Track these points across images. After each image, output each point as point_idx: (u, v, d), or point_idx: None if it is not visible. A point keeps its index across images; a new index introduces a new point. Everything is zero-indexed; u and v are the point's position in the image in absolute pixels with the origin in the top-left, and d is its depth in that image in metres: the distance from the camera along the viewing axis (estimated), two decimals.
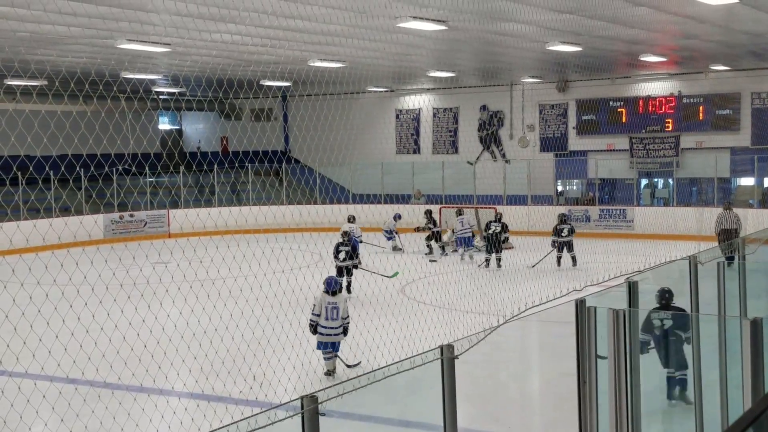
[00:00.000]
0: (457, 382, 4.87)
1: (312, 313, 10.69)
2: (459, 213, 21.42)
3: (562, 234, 19.30)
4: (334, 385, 4.29)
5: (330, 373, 10.41)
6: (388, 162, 30.37)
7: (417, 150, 31.52)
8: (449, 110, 30.80)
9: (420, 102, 31.08)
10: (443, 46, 19.59)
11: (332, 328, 10.45)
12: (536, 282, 16.27)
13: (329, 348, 10.45)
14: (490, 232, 19.61)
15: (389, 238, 22.86)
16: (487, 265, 19.36)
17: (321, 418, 4.09)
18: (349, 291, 15.43)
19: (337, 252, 16.04)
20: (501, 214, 21.66)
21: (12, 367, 9.97)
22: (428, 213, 22.86)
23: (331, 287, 10.59)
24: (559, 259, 19.24)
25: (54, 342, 9.55)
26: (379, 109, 31.59)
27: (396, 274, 16.56)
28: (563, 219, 19.71)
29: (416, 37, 17.31)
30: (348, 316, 10.75)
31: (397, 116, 31.92)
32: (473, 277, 17.96)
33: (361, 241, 20.13)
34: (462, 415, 4.98)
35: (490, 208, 23.85)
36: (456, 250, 21.61)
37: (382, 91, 31.00)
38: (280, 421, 4.08)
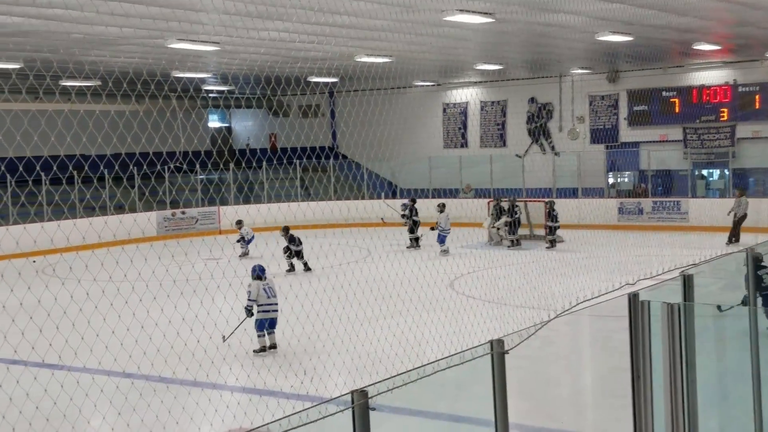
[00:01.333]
0: (508, 377, 4.83)
1: (248, 299, 11.47)
2: (442, 209, 21.39)
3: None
4: (385, 380, 4.29)
5: (265, 349, 11.32)
6: (436, 156, 30.27)
7: (464, 144, 31.36)
8: (497, 103, 30.57)
9: (467, 95, 30.89)
10: (490, 38, 19.45)
11: (271, 304, 11.50)
12: (588, 276, 16.07)
13: (267, 325, 11.43)
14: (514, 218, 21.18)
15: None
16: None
17: (371, 413, 4.10)
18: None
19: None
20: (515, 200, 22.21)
21: (71, 362, 10.19)
22: (409, 203, 23.03)
23: (255, 272, 11.75)
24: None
25: (110, 337, 9.75)
26: (426, 103, 31.50)
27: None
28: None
29: (463, 30, 17.22)
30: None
31: (444, 110, 31.80)
32: (523, 271, 17.82)
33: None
34: (513, 411, 4.95)
35: (539, 201, 23.62)
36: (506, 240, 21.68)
37: (428, 85, 30.90)
38: (331, 415, 4.09)
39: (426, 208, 23.72)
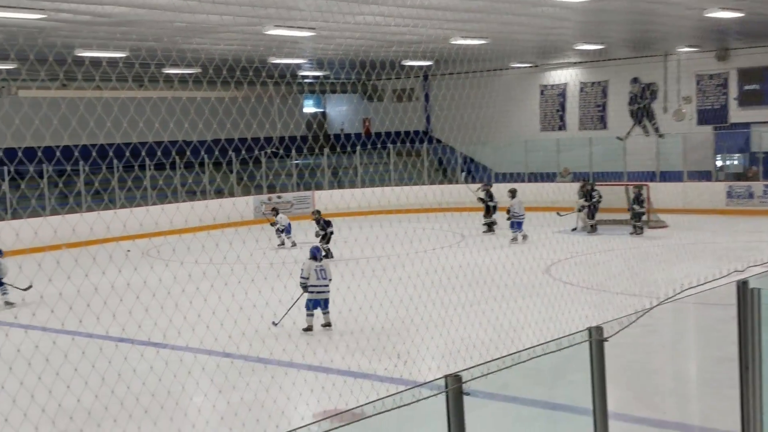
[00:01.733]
0: (607, 365, 4.70)
1: (301, 278, 11.79)
2: (513, 195, 20.58)
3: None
4: (479, 365, 4.24)
5: (311, 328, 11.57)
6: (532, 139, 29.78)
7: (563, 126, 30.73)
8: (597, 84, 29.79)
9: (566, 76, 30.21)
10: (591, 17, 18.94)
11: (324, 286, 11.70)
12: (693, 262, 15.52)
13: (319, 305, 11.64)
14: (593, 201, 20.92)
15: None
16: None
17: (465, 398, 4.05)
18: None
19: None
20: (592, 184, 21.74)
21: (174, 341, 10.53)
22: (485, 187, 22.70)
23: (312, 253, 12.02)
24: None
25: (211, 317, 10.02)
26: (523, 85, 31.00)
27: None
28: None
29: (562, 9, 16.81)
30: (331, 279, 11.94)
31: (542, 92, 31.22)
32: (624, 257, 17.35)
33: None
34: (612, 399, 4.82)
35: (642, 184, 22.93)
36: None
37: (525, 67, 30.39)
38: (425, 399, 4.07)
39: (522, 192, 23.39)
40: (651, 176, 26.05)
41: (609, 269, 15.28)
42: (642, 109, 28.75)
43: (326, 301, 11.74)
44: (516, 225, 20.06)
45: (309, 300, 11.74)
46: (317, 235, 18.32)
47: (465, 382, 4.05)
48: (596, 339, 4.59)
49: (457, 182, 28.23)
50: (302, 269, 11.93)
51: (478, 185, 23.56)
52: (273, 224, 20.86)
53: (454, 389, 4.01)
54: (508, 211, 20.35)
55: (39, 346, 8.22)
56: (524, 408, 6.37)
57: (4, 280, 14.18)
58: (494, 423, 5.69)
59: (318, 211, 19.17)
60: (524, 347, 4.55)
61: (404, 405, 3.96)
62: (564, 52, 27.17)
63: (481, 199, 22.55)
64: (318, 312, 11.70)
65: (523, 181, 27.44)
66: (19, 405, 7.49)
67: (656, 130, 28.35)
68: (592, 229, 21.21)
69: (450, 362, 9.59)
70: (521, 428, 5.89)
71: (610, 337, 4.64)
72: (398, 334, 10.88)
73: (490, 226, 22.13)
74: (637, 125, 28.87)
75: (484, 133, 26.26)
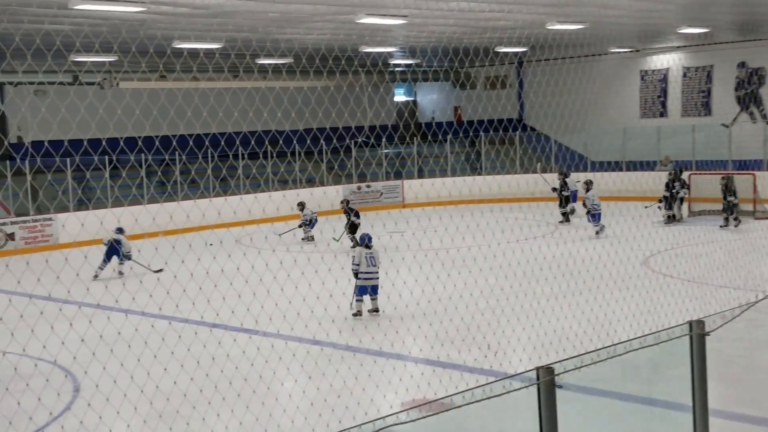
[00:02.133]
0: (708, 360, 4.48)
1: (353, 264, 12.21)
2: (588, 187, 19.78)
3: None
4: (572, 358, 4.10)
5: (360, 313, 11.90)
6: (631, 127, 28.91)
7: (664, 113, 29.71)
8: (701, 69, 28.65)
9: (668, 61, 29.18)
10: None
11: (372, 273, 12.03)
12: None
13: (367, 291, 12.02)
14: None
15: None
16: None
17: (558, 391, 3.93)
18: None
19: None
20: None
21: (266, 327, 10.69)
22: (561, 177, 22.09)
23: (363, 241, 12.47)
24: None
25: (302, 305, 10.12)
26: (622, 70, 30.11)
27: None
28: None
29: None
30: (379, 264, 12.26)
31: (642, 77, 30.25)
32: (728, 248, 16.65)
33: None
34: (713, 396, 4.59)
35: (748, 174, 21.96)
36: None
37: (624, 52, 29.51)
38: (515, 390, 3.98)
39: (621, 181, 22.73)
40: (758, 164, 24.89)
41: (711, 261, 14.69)
42: (749, 95, 27.49)
43: (375, 287, 12.10)
44: (593, 217, 19.42)
45: (358, 286, 12.11)
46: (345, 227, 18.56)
47: (557, 374, 3.94)
48: (697, 333, 4.38)
49: (551, 171, 27.70)
50: (353, 256, 12.35)
51: (555, 175, 23.18)
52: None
53: (546, 381, 3.90)
54: (585, 204, 19.85)
55: (138, 329, 8.48)
56: (619, 403, 6.17)
57: (134, 258, 15.72)
58: (587, 417, 5.52)
59: (347, 200, 19.37)
60: (620, 340, 4.38)
61: (494, 396, 3.88)
62: (666, 36, 26.22)
63: (554, 189, 22.15)
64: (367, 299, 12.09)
65: (620, 169, 26.70)
66: (119, 386, 7.75)
67: (764, 116, 27.08)
68: (669, 219, 20.58)
69: (542, 354, 9.40)
70: (616, 423, 5.69)
71: (713, 331, 4.42)
72: (488, 324, 10.73)
73: (565, 216, 21.72)
74: (744, 111, 27.63)
75: (580, 121, 25.65)
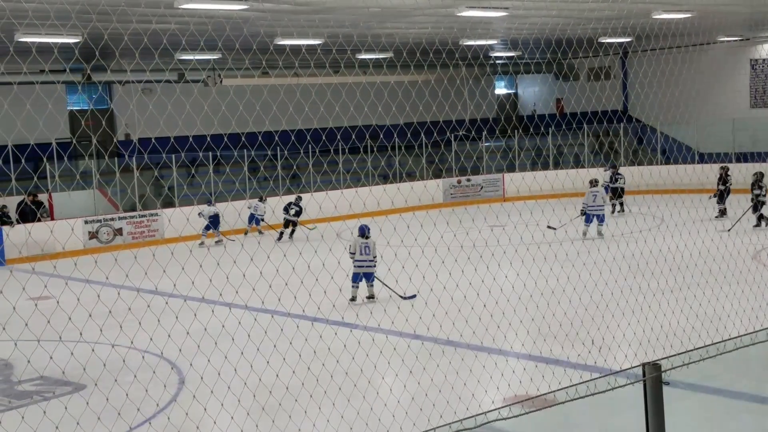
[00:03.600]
0: None
1: (349, 252, 13.23)
2: (592, 184, 19.06)
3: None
4: (679, 354, 3.99)
5: (355, 299, 12.96)
6: (741, 118, 27.74)
7: None
8: None
9: None
10: None
11: (365, 261, 13.04)
12: None
13: (361, 278, 13.11)
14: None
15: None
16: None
17: (665, 388, 3.83)
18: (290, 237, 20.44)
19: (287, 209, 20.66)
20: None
21: (366, 321, 10.81)
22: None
23: (360, 231, 13.34)
24: None
25: (401, 300, 10.19)
26: (731, 60, 28.92)
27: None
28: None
29: None
30: (376, 257, 13.18)
31: (753, 66, 28.98)
32: None
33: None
34: None
35: None
36: None
37: (734, 41, 28.33)
38: (621, 387, 3.90)
39: (730, 172, 21.85)
40: None
41: None
42: None
43: (369, 275, 13.09)
44: (590, 218, 18.42)
45: (354, 273, 13.08)
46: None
47: (665, 371, 3.84)
48: None
49: (658, 163, 26.88)
50: (350, 245, 13.36)
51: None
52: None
53: (653, 378, 3.81)
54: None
55: (242, 322, 8.72)
56: (729, 401, 5.96)
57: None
58: (695, 415, 5.35)
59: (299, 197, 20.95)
60: (729, 336, 4.24)
61: (598, 393, 3.82)
62: None
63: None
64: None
65: (730, 161, 25.67)
66: (224, 378, 7.98)
67: None
68: (721, 214, 20.10)
69: (648, 350, 9.16)
70: (725, 422, 5.50)
71: None
72: (592, 319, 10.53)
73: (613, 207, 21.95)
74: None
75: (687, 112, 24.78)
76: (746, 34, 27.57)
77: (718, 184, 20.65)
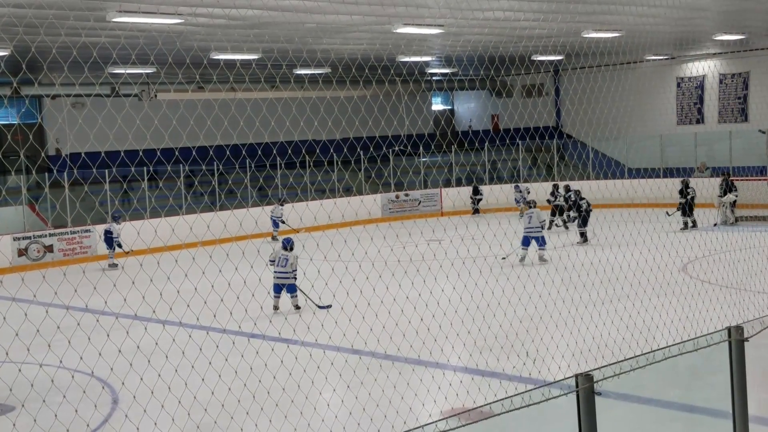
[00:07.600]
0: (748, 366, 4.44)
1: (269, 260, 13.64)
2: (530, 205, 18.28)
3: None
4: (611, 365, 4.09)
5: (278, 308, 13.35)
6: (668, 134, 28.63)
7: (701, 120, 29.37)
8: (738, 75, 28.30)
9: (704, 68, 28.87)
10: (732, 6, 18.01)
11: (282, 273, 13.49)
12: None
13: (281, 289, 13.54)
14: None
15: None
16: None
17: (597, 398, 3.92)
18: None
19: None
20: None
21: (304, 336, 10.76)
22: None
23: (283, 243, 14.04)
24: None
25: (339, 313, 10.17)
26: (658, 78, 29.84)
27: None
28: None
29: None
30: (295, 270, 13.61)
31: (678, 84, 29.96)
32: (766, 254, 16.39)
33: None
34: (753, 403, 4.54)
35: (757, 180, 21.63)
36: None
37: (661, 59, 29.25)
38: (555, 398, 3.97)
39: (657, 188, 22.49)
40: None
41: (750, 267, 14.48)
42: None
43: (290, 286, 13.48)
44: (527, 240, 17.38)
45: (274, 284, 13.55)
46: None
47: (596, 381, 3.93)
48: (736, 339, 4.34)
49: (588, 179, 27.49)
50: (272, 252, 13.94)
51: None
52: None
53: (585, 389, 3.90)
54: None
55: (176, 340, 8.58)
56: (658, 410, 6.12)
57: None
58: (627, 424, 5.49)
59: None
60: (659, 347, 4.36)
61: (533, 404, 3.88)
62: (702, 43, 25.97)
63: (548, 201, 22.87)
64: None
65: (658, 176, 26.44)
66: (157, 397, 7.83)
67: None
68: (686, 226, 20.86)
69: (581, 361, 9.34)
70: (656, 430, 5.65)
71: (751, 336, 4.39)
72: (526, 332, 10.69)
73: (551, 224, 22.11)
74: None
75: (617, 128, 25.47)
76: (673, 53, 28.50)
77: (680, 197, 21.12)
